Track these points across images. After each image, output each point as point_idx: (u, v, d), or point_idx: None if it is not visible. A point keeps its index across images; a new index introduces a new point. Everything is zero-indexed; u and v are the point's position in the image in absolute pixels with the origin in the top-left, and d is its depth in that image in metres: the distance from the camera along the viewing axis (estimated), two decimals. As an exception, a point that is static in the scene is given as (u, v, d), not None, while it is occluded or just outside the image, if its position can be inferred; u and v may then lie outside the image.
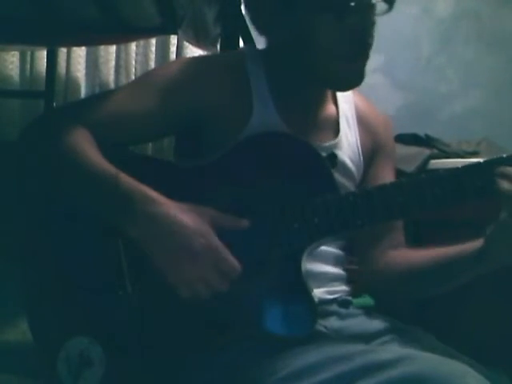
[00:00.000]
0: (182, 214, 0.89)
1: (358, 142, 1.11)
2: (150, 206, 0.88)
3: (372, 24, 1.00)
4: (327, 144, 1.06)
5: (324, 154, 0.99)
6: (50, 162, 0.96)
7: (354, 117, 1.13)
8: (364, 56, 1.01)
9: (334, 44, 0.98)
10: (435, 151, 1.88)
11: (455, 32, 2.47)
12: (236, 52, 1.12)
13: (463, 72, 2.46)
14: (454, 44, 2.47)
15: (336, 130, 1.10)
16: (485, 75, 2.44)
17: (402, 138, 2.00)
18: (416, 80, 2.43)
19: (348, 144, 1.10)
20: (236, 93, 1.03)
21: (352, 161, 1.09)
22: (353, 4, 0.95)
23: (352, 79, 1.02)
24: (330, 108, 1.11)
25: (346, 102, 1.14)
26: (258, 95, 1.03)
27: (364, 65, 1.01)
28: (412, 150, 1.90)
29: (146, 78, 1.09)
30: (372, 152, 1.14)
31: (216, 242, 0.88)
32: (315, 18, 0.97)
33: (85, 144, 0.94)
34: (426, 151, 1.87)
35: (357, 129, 1.12)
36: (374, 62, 2.45)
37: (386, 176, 1.13)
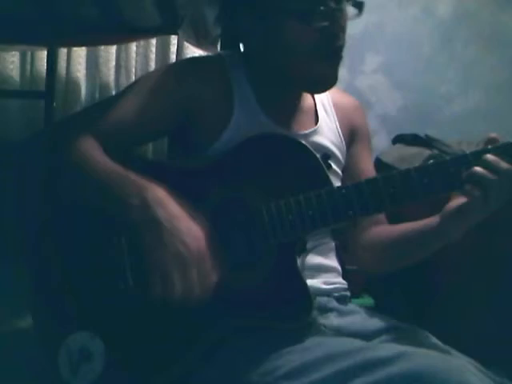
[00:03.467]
0: (183, 217, 0.91)
1: (338, 126, 1.18)
2: (159, 201, 0.91)
3: (342, 27, 1.03)
4: (308, 131, 1.11)
5: (309, 144, 1.01)
6: (61, 168, 1.01)
7: (331, 104, 1.19)
8: (335, 58, 1.04)
9: (305, 48, 1.02)
10: (435, 151, 1.88)
11: (455, 32, 2.46)
12: (215, 55, 1.20)
13: (463, 72, 2.46)
14: (454, 44, 2.47)
15: (315, 118, 1.16)
16: (485, 75, 2.44)
17: (402, 138, 2.00)
18: (416, 80, 2.43)
19: (328, 129, 1.15)
20: (218, 92, 1.08)
21: (335, 145, 1.15)
22: (322, 8, 0.99)
23: (325, 81, 1.07)
24: (308, 98, 1.17)
25: None
26: (240, 93, 1.08)
27: (336, 67, 1.05)
28: (412, 150, 1.91)
29: (141, 83, 1.13)
30: (350, 135, 1.21)
31: (206, 251, 0.90)
32: (285, 23, 1.01)
33: (93, 150, 1.00)
34: (426, 151, 1.87)
35: (334, 114, 1.18)
36: (374, 62, 2.46)
37: (364, 159, 1.22)
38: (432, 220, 1.01)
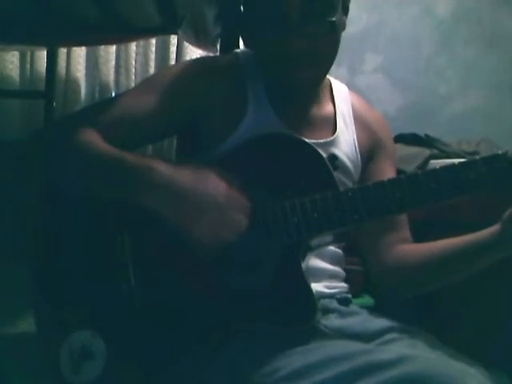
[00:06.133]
0: (188, 173, 0.93)
1: (355, 140, 1.14)
2: (159, 173, 0.92)
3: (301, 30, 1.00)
4: (323, 141, 1.08)
5: (323, 153, 0.99)
6: (64, 160, 1.00)
7: (351, 115, 1.15)
8: (308, 68, 1.02)
9: (280, 57, 1.00)
10: (435, 151, 1.88)
11: (455, 32, 2.46)
12: (230, 54, 1.17)
13: (463, 72, 2.46)
14: (454, 44, 2.47)
15: (333, 128, 1.12)
16: (485, 75, 2.44)
17: (402, 138, 2.00)
18: (416, 80, 2.43)
19: (345, 142, 1.12)
20: (230, 92, 1.07)
21: (349, 158, 1.12)
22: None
23: (299, 86, 1.05)
24: (328, 106, 1.14)
25: (343, 101, 1.16)
26: (254, 93, 1.07)
27: (313, 73, 1.04)
28: (412, 149, 1.90)
29: (149, 81, 1.13)
30: (370, 150, 1.16)
31: (223, 186, 0.92)
32: (263, 33, 1.01)
33: (94, 140, 0.99)
34: (426, 151, 1.87)
35: (354, 127, 1.15)
36: (374, 61, 2.46)
37: (387, 174, 1.14)
38: (488, 230, 0.97)
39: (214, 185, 0.92)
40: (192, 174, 0.93)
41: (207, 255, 0.92)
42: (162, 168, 0.93)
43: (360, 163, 1.14)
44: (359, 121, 1.16)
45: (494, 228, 0.96)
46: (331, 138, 1.10)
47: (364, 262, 1.16)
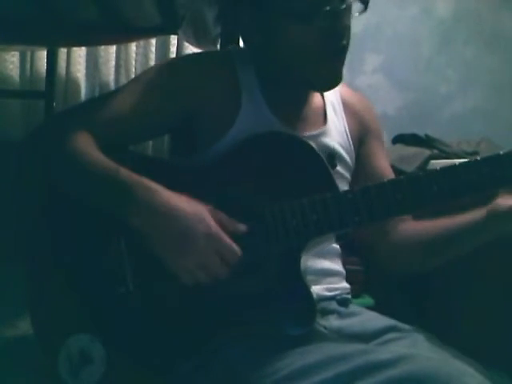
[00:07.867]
0: (182, 203, 0.91)
1: (346, 127, 1.15)
2: (151, 195, 0.91)
3: (346, 26, 1.01)
4: (316, 132, 1.08)
5: (315, 145, 0.99)
6: (55, 165, 0.99)
7: (340, 104, 1.16)
8: (339, 58, 1.03)
9: (308, 48, 1.00)
10: (435, 151, 1.88)
11: (455, 32, 2.46)
12: (224, 51, 1.16)
13: (463, 72, 2.46)
14: (454, 44, 2.47)
15: (323, 118, 1.12)
16: (485, 75, 2.44)
17: (402, 138, 2.00)
18: (416, 80, 2.43)
19: (336, 130, 1.12)
20: (224, 89, 1.05)
21: (342, 147, 1.12)
22: (327, 8, 0.97)
23: (328, 81, 1.05)
24: (317, 98, 1.14)
25: (331, 91, 1.15)
26: (248, 90, 1.06)
27: (340, 66, 1.04)
28: (412, 150, 1.91)
29: (142, 78, 1.11)
30: (360, 135, 1.17)
31: (216, 228, 0.90)
32: (288, 24, 0.99)
33: (87, 146, 0.97)
34: (426, 151, 1.87)
35: (344, 115, 1.15)
36: (374, 62, 2.46)
37: (379, 155, 1.17)
38: (476, 216, 0.99)
39: (206, 222, 0.90)
40: (187, 204, 0.91)
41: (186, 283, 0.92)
42: (157, 190, 0.91)
43: (353, 150, 1.15)
44: (348, 107, 1.17)
45: (479, 214, 0.98)
46: (323, 129, 1.10)
47: (369, 248, 1.17)
